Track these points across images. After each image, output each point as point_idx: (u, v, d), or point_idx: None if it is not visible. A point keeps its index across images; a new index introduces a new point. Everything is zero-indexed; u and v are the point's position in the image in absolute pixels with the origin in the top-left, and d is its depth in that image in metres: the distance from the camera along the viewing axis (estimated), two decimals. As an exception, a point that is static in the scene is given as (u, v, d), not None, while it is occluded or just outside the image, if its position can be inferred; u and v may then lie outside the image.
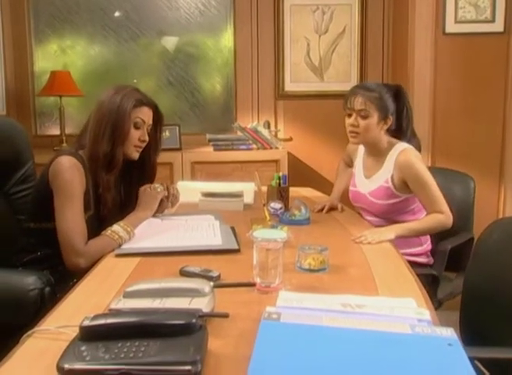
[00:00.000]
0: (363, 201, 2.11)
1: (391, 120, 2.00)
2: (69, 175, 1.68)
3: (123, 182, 1.94)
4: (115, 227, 1.66)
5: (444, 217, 1.90)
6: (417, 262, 2.04)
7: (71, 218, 1.65)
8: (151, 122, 1.86)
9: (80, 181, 1.70)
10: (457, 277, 2.15)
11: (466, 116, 3.00)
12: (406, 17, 3.08)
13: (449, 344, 0.88)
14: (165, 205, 1.98)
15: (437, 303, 1.96)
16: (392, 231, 1.80)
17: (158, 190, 1.90)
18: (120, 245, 1.63)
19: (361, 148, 2.19)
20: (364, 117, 1.96)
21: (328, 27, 3.50)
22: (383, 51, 3.50)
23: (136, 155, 1.85)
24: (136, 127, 1.81)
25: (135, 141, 1.81)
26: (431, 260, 2.13)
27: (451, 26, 2.95)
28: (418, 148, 2.06)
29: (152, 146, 1.91)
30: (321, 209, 2.16)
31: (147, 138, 1.84)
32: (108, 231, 1.65)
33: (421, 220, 1.95)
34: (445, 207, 1.91)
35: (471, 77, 2.98)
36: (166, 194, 1.94)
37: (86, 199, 1.73)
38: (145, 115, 1.83)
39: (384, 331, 0.93)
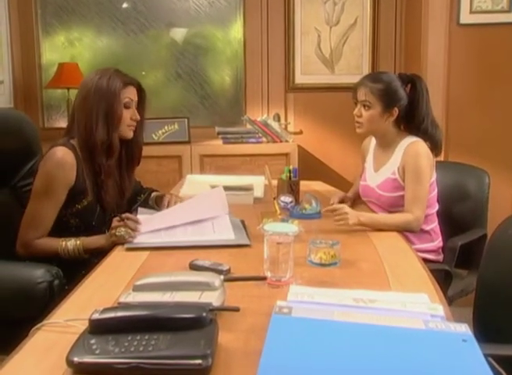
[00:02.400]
0: (371, 195, 2.11)
1: (397, 112, 1.99)
2: (52, 170, 1.72)
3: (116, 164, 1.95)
4: (70, 246, 1.71)
5: (413, 220, 1.88)
6: (427, 259, 2.03)
7: (33, 211, 1.75)
8: (136, 99, 1.88)
9: (63, 177, 1.73)
10: (469, 275, 2.14)
11: (480, 108, 2.97)
12: (419, 8, 3.05)
13: (463, 340, 0.88)
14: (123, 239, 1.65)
15: (447, 301, 1.95)
16: (356, 218, 1.79)
17: (120, 233, 1.63)
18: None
19: (372, 143, 2.19)
20: (367, 108, 1.98)
21: (339, 19, 3.47)
22: (395, 43, 3.48)
23: (131, 134, 1.87)
24: (127, 107, 1.82)
25: (127, 121, 1.83)
26: (441, 258, 2.11)
27: (466, 17, 2.91)
28: (440, 140, 2.03)
29: (138, 124, 1.90)
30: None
31: (138, 116, 1.86)
32: (63, 243, 1.71)
33: (390, 216, 1.93)
34: (420, 211, 1.90)
35: (486, 69, 2.95)
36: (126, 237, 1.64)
37: (79, 189, 1.76)
38: (132, 94, 1.84)
39: (397, 326, 0.93)
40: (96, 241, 1.71)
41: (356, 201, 2.21)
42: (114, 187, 1.89)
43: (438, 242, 2.11)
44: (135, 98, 1.86)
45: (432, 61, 2.97)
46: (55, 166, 1.72)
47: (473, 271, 2.09)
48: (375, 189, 2.08)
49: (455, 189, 2.28)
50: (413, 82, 2.03)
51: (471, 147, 2.95)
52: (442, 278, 1.91)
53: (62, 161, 1.72)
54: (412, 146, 1.97)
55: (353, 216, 1.80)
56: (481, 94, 2.97)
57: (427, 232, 2.06)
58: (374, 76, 2.05)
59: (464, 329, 0.91)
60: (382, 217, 1.93)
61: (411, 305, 1.06)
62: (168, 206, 1.92)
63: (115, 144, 1.81)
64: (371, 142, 2.20)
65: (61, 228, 1.77)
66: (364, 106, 1.98)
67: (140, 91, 1.89)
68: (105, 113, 1.77)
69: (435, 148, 2.01)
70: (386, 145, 2.07)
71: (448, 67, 2.97)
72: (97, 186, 1.82)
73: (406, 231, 1.86)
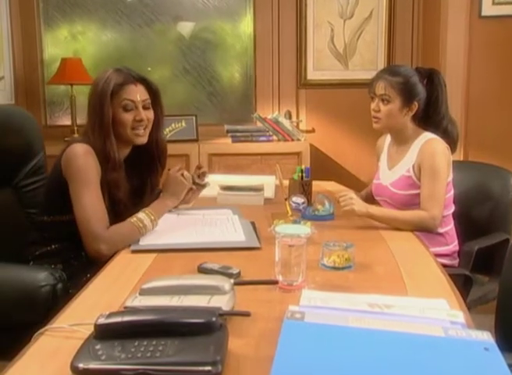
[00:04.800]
0: (384, 194, 2.11)
1: (416, 107, 1.99)
2: (83, 161, 1.68)
3: (133, 168, 1.89)
4: (141, 215, 1.66)
5: (429, 217, 1.87)
6: (441, 264, 2.02)
7: (89, 204, 1.65)
8: (144, 97, 1.78)
9: (96, 167, 1.70)
10: (490, 281, 2.12)
11: (503, 105, 2.96)
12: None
13: (485, 349, 0.87)
14: (193, 195, 1.96)
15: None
16: (365, 208, 1.82)
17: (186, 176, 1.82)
18: (143, 235, 1.65)
19: (387, 141, 2.19)
20: (386, 102, 1.98)
21: (353, 12, 3.47)
22: (412, 37, 3.47)
23: (141, 139, 1.79)
24: (127, 110, 1.75)
25: (130, 124, 1.75)
26: (456, 262, 2.09)
27: (488, 9, 2.90)
28: (457, 136, 2.04)
29: (153, 124, 1.84)
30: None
31: (143, 116, 1.76)
32: (134, 218, 1.65)
33: (403, 212, 1.93)
34: (437, 209, 1.89)
35: (508, 64, 2.93)
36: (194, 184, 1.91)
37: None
38: (132, 94, 1.75)
39: (415, 333, 0.92)
40: (162, 206, 1.77)
41: (368, 201, 2.21)
42: (128, 194, 1.83)
43: (453, 246, 2.09)
44: (140, 96, 1.77)
45: (451, 56, 2.96)
46: (82, 158, 1.68)
47: (494, 277, 2.08)
48: (388, 187, 2.08)
49: (476, 190, 2.26)
50: (431, 76, 2.03)
51: (493, 146, 2.93)
52: (462, 283, 1.90)
53: (85, 152, 1.69)
54: (429, 144, 1.97)
55: (361, 205, 1.82)
56: (504, 90, 2.95)
57: (441, 235, 2.04)
58: (392, 70, 2.05)
59: (486, 337, 0.91)
60: (394, 211, 1.92)
61: (430, 311, 1.05)
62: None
63: (113, 155, 1.73)
64: (386, 140, 2.21)
65: (68, 233, 1.72)
66: (383, 100, 1.98)
67: (151, 88, 1.82)
68: (99, 120, 1.72)
69: (452, 143, 2.02)
70: (402, 142, 2.07)
71: (468, 62, 2.95)
72: (108, 194, 1.76)
73: (420, 231, 1.85)
